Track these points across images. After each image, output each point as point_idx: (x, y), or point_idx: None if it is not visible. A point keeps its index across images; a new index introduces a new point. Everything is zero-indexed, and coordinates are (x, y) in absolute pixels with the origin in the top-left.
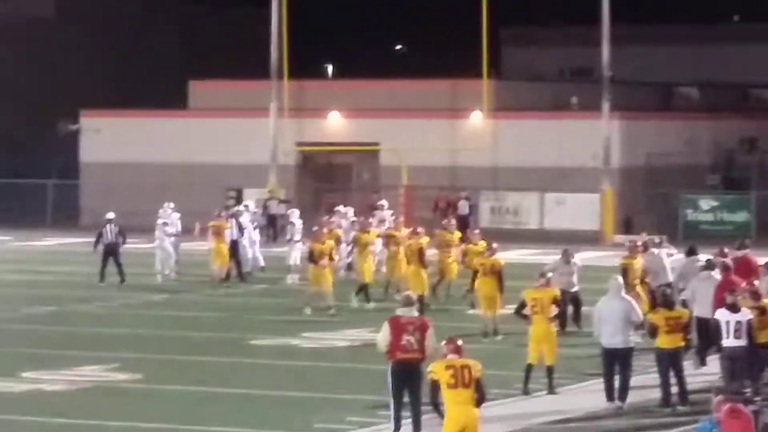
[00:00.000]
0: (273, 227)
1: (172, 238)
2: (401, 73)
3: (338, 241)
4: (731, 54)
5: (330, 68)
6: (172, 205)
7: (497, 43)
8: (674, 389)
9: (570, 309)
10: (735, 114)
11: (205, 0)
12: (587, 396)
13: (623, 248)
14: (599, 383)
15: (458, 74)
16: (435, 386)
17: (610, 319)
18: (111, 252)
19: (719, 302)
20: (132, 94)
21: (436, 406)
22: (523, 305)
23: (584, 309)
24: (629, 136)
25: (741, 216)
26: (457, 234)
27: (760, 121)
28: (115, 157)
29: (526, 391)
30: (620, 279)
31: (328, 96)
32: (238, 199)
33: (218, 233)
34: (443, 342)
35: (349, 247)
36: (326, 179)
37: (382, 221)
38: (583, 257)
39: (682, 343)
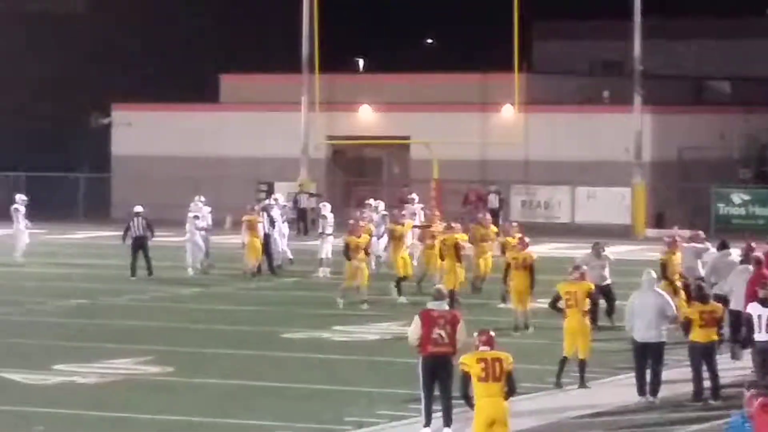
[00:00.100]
0: (303, 221)
1: (203, 232)
2: (432, 66)
3: (370, 235)
4: (763, 47)
5: (361, 62)
6: (202, 198)
7: (528, 36)
8: (706, 383)
9: (602, 303)
10: (767, 108)
11: None
12: (619, 390)
13: (654, 242)
14: (631, 377)
15: (489, 68)
16: (466, 378)
17: (644, 313)
18: (139, 245)
19: (751, 296)
20: (163, 87)
21: (467, 399)
22: (557, 298)
23: (617, 303)
24: (661, 129)
25: None
26: (493, 228)
27: None
28: (146, 150)
29: (558, 384)
30: (653, 273)
31: (359, 90)
32: (269, 193)
33: (252, 227)
34: (475, 334)
35: (380, 241)
36: (357, 173)
37: (413, 214)
38: (614, 251)
39: (716, 338)
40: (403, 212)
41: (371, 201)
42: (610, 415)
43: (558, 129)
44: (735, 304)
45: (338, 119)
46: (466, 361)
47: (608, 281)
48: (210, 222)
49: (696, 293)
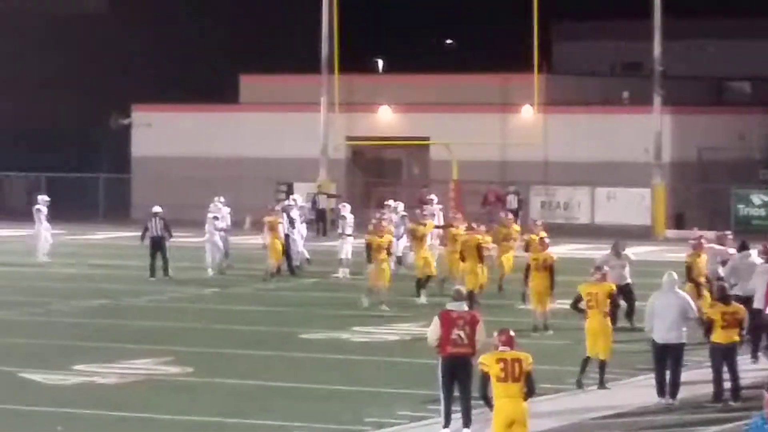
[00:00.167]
0: (322, 222)
1: (222, 233)
2: (452, 67)
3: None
4: None
5: (380, 63)
6: (222, 199)
7: (548, 37)
8: (727, 385)
9: (622, 303)
10: None
11: None
12: (638, 391)
13: (674, 243)
14: (650, 378)
15: (509, 69)
16: (485, 378)
17: (665, 314)
18: (157, 246)
19: None
20: (183, 88)
21: (486, 399)
22: (578, 299)
23: (637, 304)
24: (680, 130)
25: None
26: (516, 228)
27: None
28: (166, 151)
29: (579, 384)
30: (674, 274)
31: (379, 90)
32: (288, 194)
33: (273, 228)
34: (495, 333)
35: (399, 242)
36: (376, 174)
37: (432, 215)
38: (633, 252)
39: (737, 339)
40: (425, 212)
41: (391, 202)
42: (629, 416)
43: (578, 130)
44: (757, 304)
45: (358, 120)
46: (486, 361)
47: (628, 281)
48: (229, 222)
49: (718, 294)
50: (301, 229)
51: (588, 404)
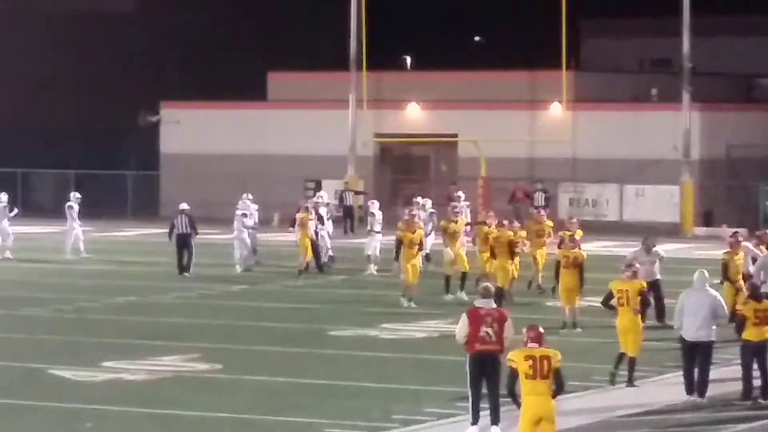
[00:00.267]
0: (350, 219)
1: (250, 230)
2: (480, 64)
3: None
4: None
5: (408, 59)
6: (250, 196)
7: (577, 34)
8: (756, 382)
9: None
10: None
11: None
12: (667, 389)
13: (702, 240)
14: (679, 376)
15: (537, 65)
16: (513, 375)
17: (696, 312)
18: (183, 243)
19: None
20: (211, 85)
21: (513, 395)
22: (609, 296)
23: (665, 301)
24: (709, 127)
25: None
26: (549, 223)
27: None
28: (194, 148)
29: (613, 379)
30: (706, 272)
31: (407, 87)
32: (317, 191)
33: (303, 225)
34: (524, 330)
35: (427, 239)
36: (404, 171)
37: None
38: (662, 249)
39: None
40: (457, 210)
41: (419, 199)
42: (658, 414)
43: (606, 127)
44: None
45: (386, 117)
46: (514, 358)
47: (657, 277)
48: (257, 220)
49: (750, 291)
50: (327, 226)
51: (616, 402)
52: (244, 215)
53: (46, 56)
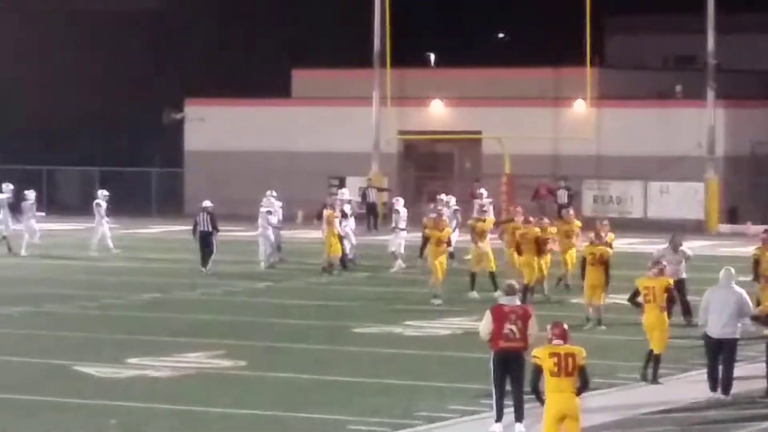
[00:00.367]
0: (373, 216)
1: (274, 227)
2: (504, 61)
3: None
4: None
5: (432, 57)
6: (274, 193)
7: (601, 31)
8: None
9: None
10: None
11: None
12: (691, 386)
13: (727, 237)
14: (703, 373)
15: (561, 62)
16: (537, 371)
17: (722, 309)
18: (204, 241)
19: None
20: (235, 83)
21: (537, 392)
22: (636, 293)
23: (689, 299)
24: (734, 124)
25: None
26: (577, 223)
27: None
28: (218, 145)
29: (644, 376)
30: (732, 269)
31: (431, 84)
32: (340, 188)
33: (330, 222)
34: (548, 327)
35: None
36: (428, 168)
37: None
38: (687, 247)
39: None
40: (485, 208)
41: (443, 196)
42: (682, 411)
43: (630, 124)
44: None
45: (410, 114)
46: (539, 355)
47: (683, 276)
48: (281, 217)
49: None
50: (350, 223)
51: (640, 399)
52: (269, 212)
53: (71, 54)
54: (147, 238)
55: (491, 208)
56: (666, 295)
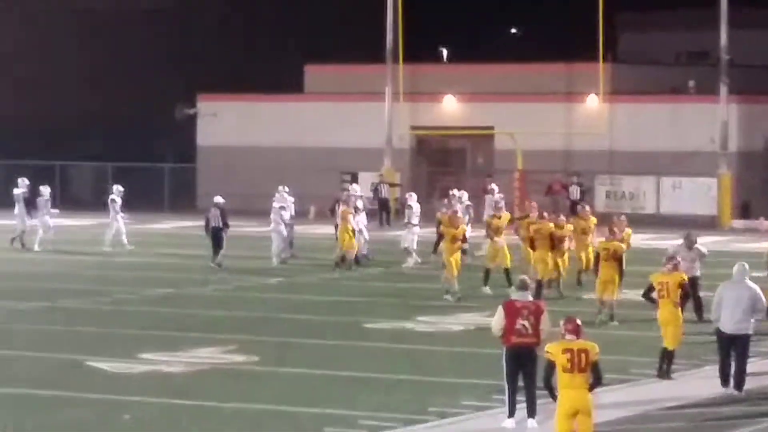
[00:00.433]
0: (385, 211)
1: (287, 222)
2: (516, 56)
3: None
4: None
5: (445, 52)
6: (287, 188)
7: (614, 26)
8: None
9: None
10: None
11: None
12: (704, 382)
13: (740, 233)
14: (716, 369)
15: (574, 58)
16: (550, 367)
17: (735, 304)
18: (215, 236)
19: None
20: (248, 78)
21: (549, 388)
22: (650, 289)
23: (702, 294)
24: (747, 119)
25: None
26: (593, 219)
27: None
28: (231, 140)
29: (661, 374)
30: (746, 265)
31: (443, 80)
32: (353, 183)
33: (344, 218)
34: (561, 322)
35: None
36: (440, 163)
37: (491, 205)
38: (699, 242)
39: None
40: (500, 204)
41: (455, 191)
42: (695, 407)
43: (643, 119)
44: None
45: (422, 109)
46: (552, 351)
47: (697, 274)
48: (293, 212)
49: None
50: (362, 219)
51: (653, 395)
52: (282, 208)
53: (84, 50)
54: (159, 234)
55: (503, 203)
56: (680, 290)
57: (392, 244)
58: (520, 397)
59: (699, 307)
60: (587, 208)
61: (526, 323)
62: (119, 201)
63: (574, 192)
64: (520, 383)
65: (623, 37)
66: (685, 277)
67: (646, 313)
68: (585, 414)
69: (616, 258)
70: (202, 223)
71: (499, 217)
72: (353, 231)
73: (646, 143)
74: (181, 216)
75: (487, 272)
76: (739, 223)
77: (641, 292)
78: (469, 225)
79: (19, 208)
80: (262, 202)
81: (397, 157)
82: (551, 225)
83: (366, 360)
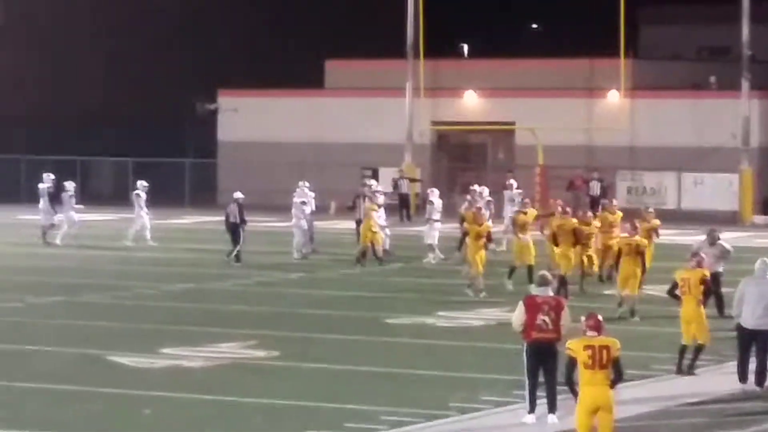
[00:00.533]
0: (405, 207)
1: (308, 217)
2: (537, 52)
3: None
4: None
5: (465, 47)
6: (307, 183)
7: (635, 21)
8: None
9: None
10: None
11: None
12: (725, 378)
13: (762, 229)
14: (736, 365)
15: (595, 53)
16: (571, 363)
17: (757, 300)
18: (233, 232)
19: None
20: (269, 73)
21: (570, 384)
22: (675, 286)
23: (724, 290)
24: None
25: None
26: (619, 214)
27: None
28: (251, 136)
29: (679, 371)
30: (767, 260)
31: (464, 75)
32: (374, 179)
33: (368, 214)
34: (582, 318)
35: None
36: (461, 159)
37: (510, 200)
38: (722, 238)
39: None
40: (526, 200)
41: (476, 187)
42: (716, 402)
43: (664, 115)
44: None
45: (443, 105)
46: (573, 347)
47: (719, 270)
48: (314, 207)
49: None
50: (381, 214)
51: (674, 391)
52: (303, 203)
53: (105, 45)
54: (180, 229)
55: (520, 198)
56: (702, 287)
57: (413, 239)
58: (541, 393)
59: (720, 303)
60: (615, 202)
61: (546, 319)
62: (144, 196)
63: (594, 187)
64: (541, 379)
65: (644, 33)
66: (707, 274)
67: (667, 309)
68: (606, 411)
69: (638, 253)
70: (223, 218)
71: (525, 213)
72: (376, 227)
73: (668, 139)
74: (202, 211)
75: (513, 269)
76: (760, 219)
77: (661, 287)
78: (490, 220)
79: (43, 203)
80: (282, 198)
81: (418, 152)
82: (574, 221)
83: (386, 355)
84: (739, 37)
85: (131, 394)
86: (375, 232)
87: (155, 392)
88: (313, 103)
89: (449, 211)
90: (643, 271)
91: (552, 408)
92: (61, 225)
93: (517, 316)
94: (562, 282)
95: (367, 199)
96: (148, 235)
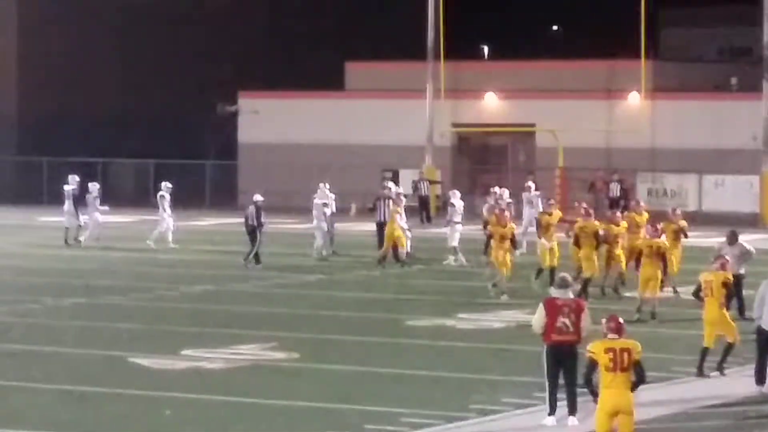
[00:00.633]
0: (425, 209)
1: (329, 219)
2: (558, 54)
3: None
4: None
5: (486, 49)
6: (327, 185)
7: (655, 23)
8: None
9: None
10: None
11: None
12: (746, 380)
13: None
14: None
15: (615, 55)
16: (592, 366)
17: None
18: (251, 234)
19: None
20: (289, 75)
21: (590, 386)
22: (699, 288)
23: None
24: None
25: None
26: (645, 215)
27: None
28: (272, 138)
29: (701, 374)
30: None
31: (485, 77)
32: (394, 181)
33: (393, 217)
34: (603, 320)
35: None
36: (482, 161)
37: (529, 203)
38: (741, 240)
39: None
40: (551, 201)
41: (496, 189)
42: (737, 405)
43: (685, 116)
44: None
45: (463, 107)
46: (594, 350)
47: (740, 271)
48: (334, 209)
49: None
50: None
51: (695, 393)
52: (324, 204)
53: (126, 47)
54: (200, 231)
55: (539, 201)
56: (724, 290)
57: (433, 241)
58: (561, 395)
59: (741, 305)
60: (642, 202)
61: (566, 321)
62: (168, 197)
63: (614, 189)
64: (561, 381)
65: (665, 34)
66: (730, 276)
67: (688, 311)
68: (626, 414)
69: (659, 255)
70: (243, 220)
71: (550, 214)
72: (401, 229)
73: (688, 140)
74: (223, 213)
75: (540, 270)
76: None
77: (684, 289)
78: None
79: (68, 205)
80: (302, 200)
81: (438, 154)
82: (597, 223)
83: (407, 357)
84: (760, 39)
85: (152, 395)
86: (399, 235)
87: (176, 393)
88: (334, 104)
89: (469, 213)
90: (665, 272)
91: (572, 410)
92: (86, 226)
93: (538, 318)
94: (585, 285)
95: (391, 201)
96: (169, 236)
